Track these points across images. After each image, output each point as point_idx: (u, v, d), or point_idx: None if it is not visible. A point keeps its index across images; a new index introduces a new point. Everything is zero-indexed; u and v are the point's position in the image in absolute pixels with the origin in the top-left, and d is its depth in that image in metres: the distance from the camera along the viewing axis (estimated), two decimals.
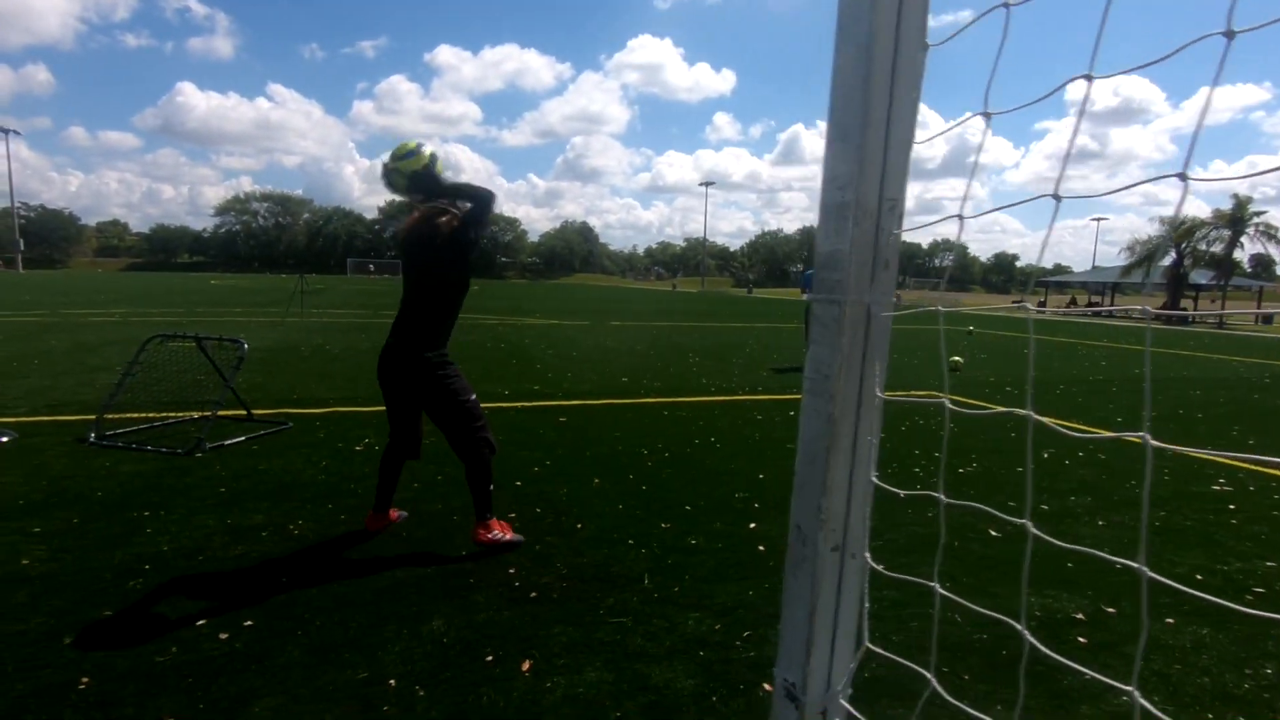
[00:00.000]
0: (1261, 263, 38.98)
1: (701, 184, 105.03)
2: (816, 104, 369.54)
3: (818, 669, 1.35)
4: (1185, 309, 38.25)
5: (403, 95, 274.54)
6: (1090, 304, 47.93)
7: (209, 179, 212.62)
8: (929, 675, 1.19)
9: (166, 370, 6.39)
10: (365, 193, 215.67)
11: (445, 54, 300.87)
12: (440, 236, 3.13)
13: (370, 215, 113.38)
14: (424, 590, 2.87)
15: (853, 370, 1.28)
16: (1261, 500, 4.52)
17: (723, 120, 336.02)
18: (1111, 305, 45.71)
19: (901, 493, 1.31)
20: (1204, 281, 38.80)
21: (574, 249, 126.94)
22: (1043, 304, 50.35)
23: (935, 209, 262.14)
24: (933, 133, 1.32)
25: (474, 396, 3.26)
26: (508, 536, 3.30)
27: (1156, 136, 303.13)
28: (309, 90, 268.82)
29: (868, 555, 1.27)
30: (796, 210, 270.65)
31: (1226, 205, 37.00)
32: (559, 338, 13.99)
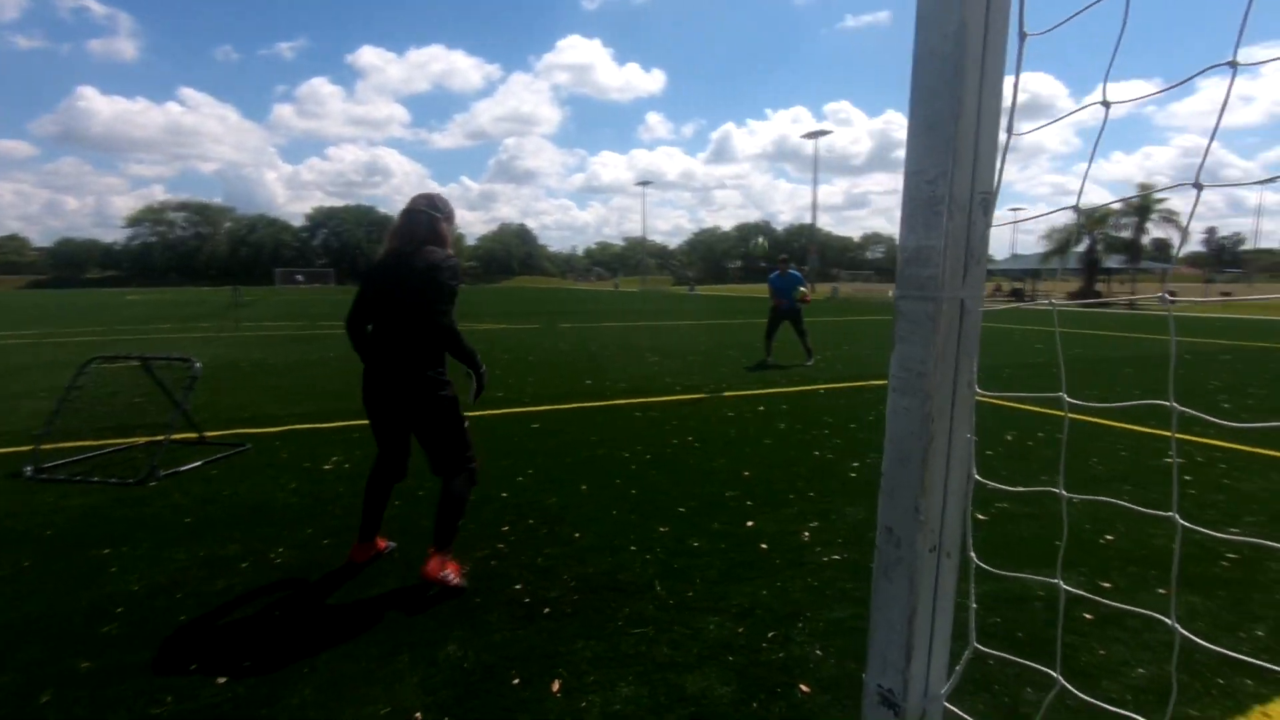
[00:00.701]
0: (1160, 246, 41.68)
1: (638, 183, 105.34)
2: (746, 103, 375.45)
3: (918, 673, 1.32)
4: (1099, 293, 40.64)
5: (325, 98, 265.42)
6: (1012, 290, 50.32)
7: (117, 188, 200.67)
8: (1056, 674, 1.18)
9: (101, 394, 5.96)
10: (290, 199, 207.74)
11: (368, 55, 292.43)
12: (444, 282, 2.91)
13: (297, 223, 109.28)
14: (431, 614, 2.74)
15: (948, 367, 1.25)
16: (1210, 471, 4.80)
17: (655, 120, 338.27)
18: (1034, 290, 48.16)
19: (1014, 489, 1.30)
20: (1115, 265, 41.28)
21: (512, 252, 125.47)
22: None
23: (863, 202, 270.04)
24: (1043, 121, 1.32)
25: (467, 424, 3.10)
26: (455, 580, 2.91)
27: (1061, 130, 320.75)
28: (224, 93, 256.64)
29: (973, 554, 1.25)
30: (731, 208, 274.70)
31: (1133, 192, 39.43)
32: (511, 342, 13.76)
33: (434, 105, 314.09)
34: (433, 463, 3.04)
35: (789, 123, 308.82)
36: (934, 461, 1.28)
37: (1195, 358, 11.89)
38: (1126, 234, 39.20)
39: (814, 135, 61.40)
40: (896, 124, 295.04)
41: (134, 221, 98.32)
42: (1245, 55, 0.94)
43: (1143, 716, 1.84)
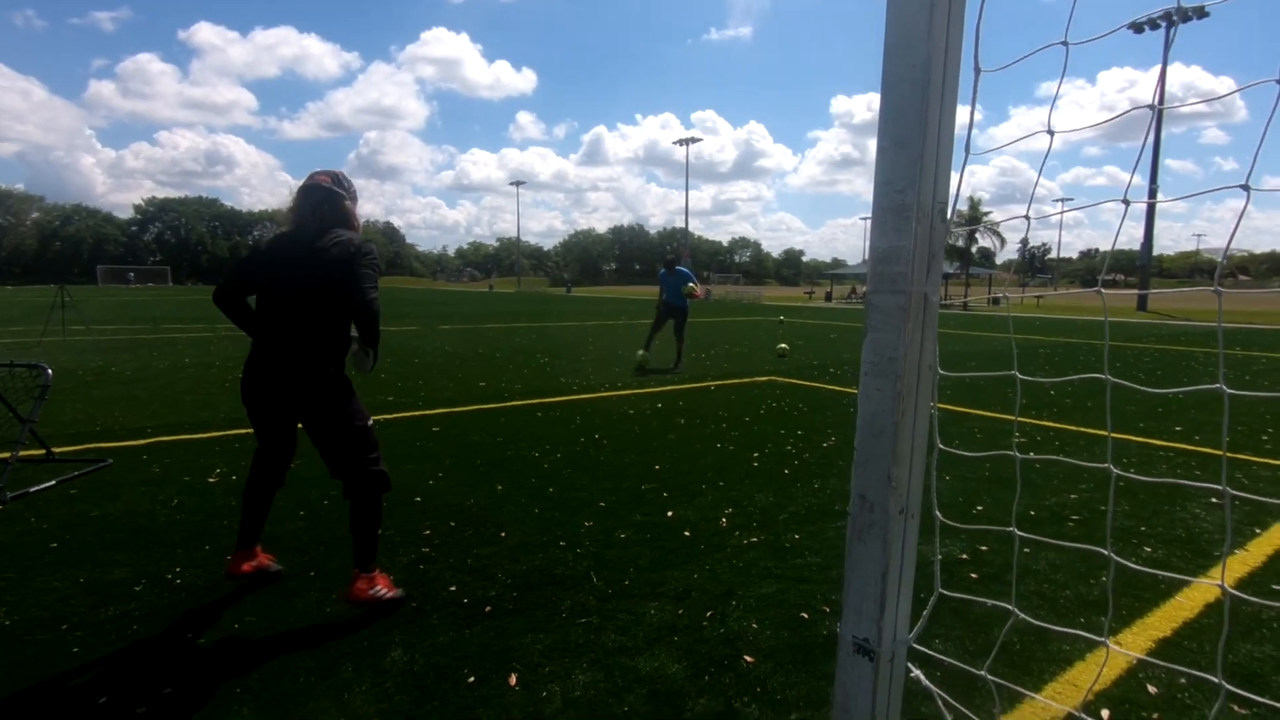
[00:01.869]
0: (985, 254, 47.01)
1: (511, 183, 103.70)
2: (617, 107, 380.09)
3: (890, 622, 1.50)
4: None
5: (154, 77, 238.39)
6: (865, 293, 54.51)
7: None
8: (1012, 607, 1.39)
9: None
10: (112, 188, 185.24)
11: (206, 33, 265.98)
12: (363, 267, 2.71)
13: (124, 214, 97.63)
14: (367, 621, 2.64)
15: (915, 351, 1.43)
16: (1048, 447, 5.55)
17: (526, 119, 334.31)
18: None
19: (973, 454, 1.50)
20: (950, 271, 46.00)
21: (379, 251, 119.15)
22: (829, 295, 56.36)
23: (730, 208, 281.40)
24: (997, 144, 1.52)
25: (371, 422, 2.87)
26: (390, 594, 2.74)
27: None
28: (25, 65, 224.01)
29: (938, 513, 1.44)
30: (604, 210, 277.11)
31: (964, 206, 44.14)
32: (391, 345, 13.16)
33: (285, 92, 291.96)
34: (334, 467, 2.77)
35: (658, 128, 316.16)
36: (904, 434, 1.46)
37: (1022, 351, 13.55)
38: (960, 243, 43.73)
39: (685, 142, 63.36)
40: (758, 134, 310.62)
41: None
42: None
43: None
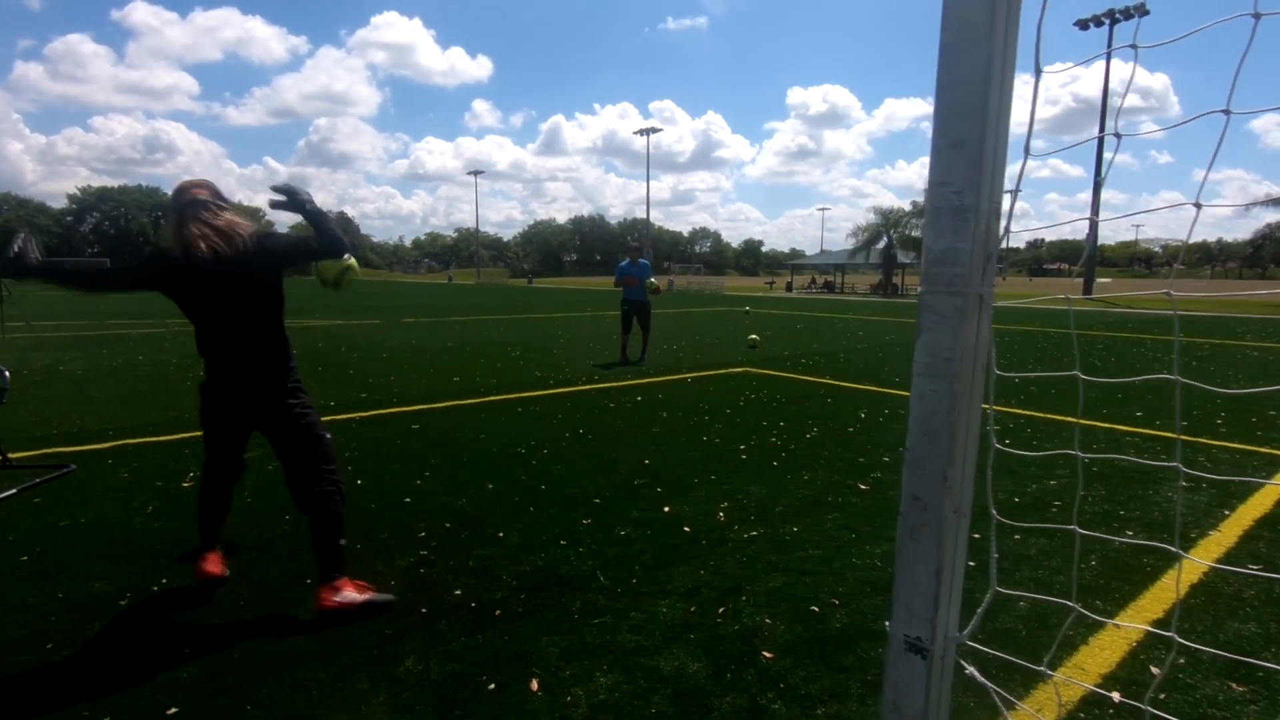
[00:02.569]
0: None
1: (469, 172, 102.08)
2: (575, 96, 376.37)
3: (943, 620, 1.50)
4: (896, 285, 46.02)
5: (86, 59, 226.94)
6: (826, 283, 55.43)
7: None
8: (1073, 604, 1.41)
9: None
10: (43, 176, 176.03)
11: (142, 13, 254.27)
12: (275, 256, 2.65)
13: (57, 204, 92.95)
14: (371, 628, 2.57)
15: (971, 353, 1.44)
16: (1020, 435, 5.72)
17: (482, 107, 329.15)
18: (842, 283, 53.39)
19: (1034, 453, 1.51)
20: (908, 260, 47.02)
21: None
22: (790, 285, 57.05)
23: (689, 199, 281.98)
24: (1059, 147, 1.53)
25: (329, 435, 2.84)
26: (364, 597, 2.66)
27: (857, 139, 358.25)
28: None
29: (994, 512, 1.46)
30: (564, 200, 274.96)
31: (920, 198, 45.15)
32: (357, 339, 12.84)
33: (228, 76, 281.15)
34: (294, 483, 2.73)
35: (617, 118, 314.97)
36: (960, 435, 1.46)
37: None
38: (917, 234, 44.67)
39: (646, 132, 63.16)
40: (716, 125, 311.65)
41: None
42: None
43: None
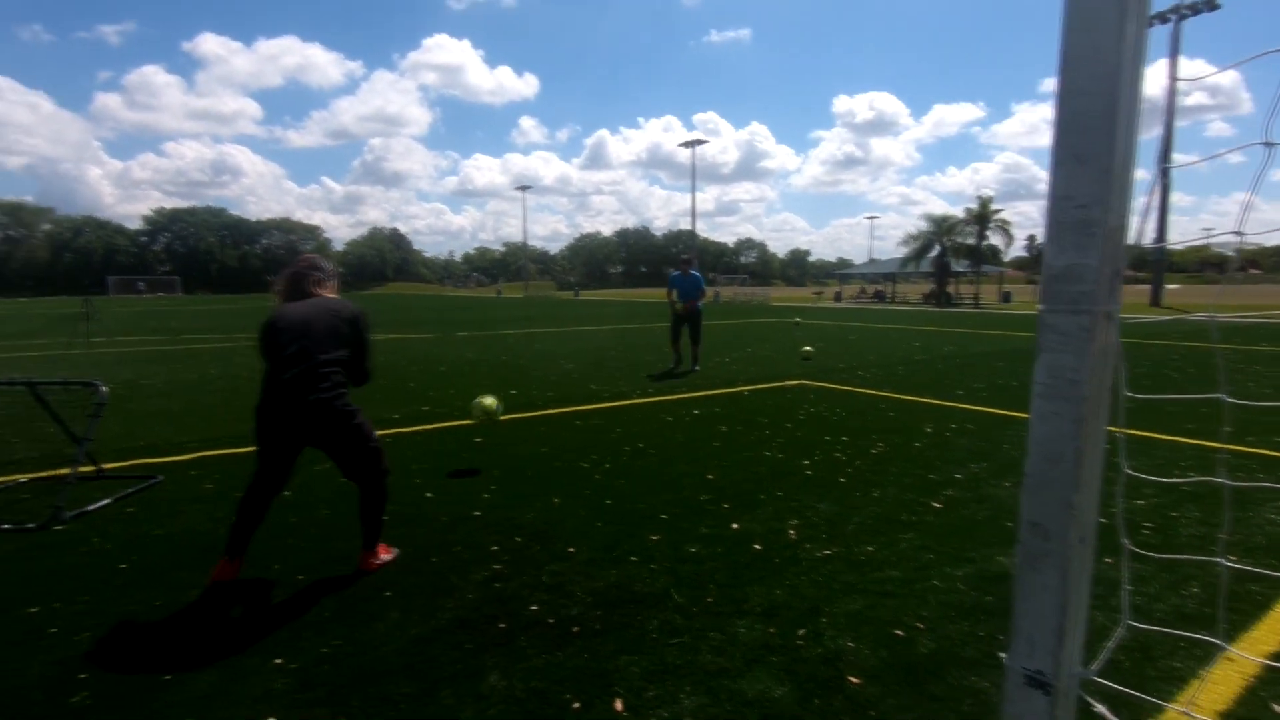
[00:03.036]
0: (993, 251, 46.75)
1: (517, 188, 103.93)
2: (620, 110, 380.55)
3: (1069, 653, 1.43)
4: (950, 294, 44.83)
5: (160, 89, 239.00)
6: (876, 292, 54.37)
7: None
8: (1218, 641, 1.33)
9: None
10: (120, 199, 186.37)
11: (210, 44, 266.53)
12: (355, 327, 3.27)
13: (133, 225, 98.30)
14: (453, 642, 2.60)
15: (1098, 373, 1.37)
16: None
17: (529, 124, 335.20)
18: (893, 293, 52.29)
19: (1166, 479, 1.43)
20: (962, 269, 45.74)
21: (386, 257, 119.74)
22: (839, 294, 56.12)
23: (733, 210, 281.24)
24: (1197, 156, 1.46)
25: (375, 431, 3.35)
26: (388, 555, 3.37)
27: (905, 146, 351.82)
28: (33, 79, 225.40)
29: (1126, 541, 1.38)
30: (608, 213, 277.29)
31: (974, 204, 43.99)
32: (415, 353, 13.15)
33: (289, 101, 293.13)
34: (350, 473, 3.24)
35: (661, 131, 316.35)
36: (1086, 460, 1.39)
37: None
38: (970, 240, 43.48)
39: (690, 144, 63.27)
40: (761, 135, 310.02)
41: None
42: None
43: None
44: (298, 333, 3.09)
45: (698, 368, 10.21)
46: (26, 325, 22.30)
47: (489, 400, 5.50)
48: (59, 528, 3.79)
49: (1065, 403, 1.36)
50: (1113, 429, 1.40)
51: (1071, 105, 1.32)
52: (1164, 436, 5.87)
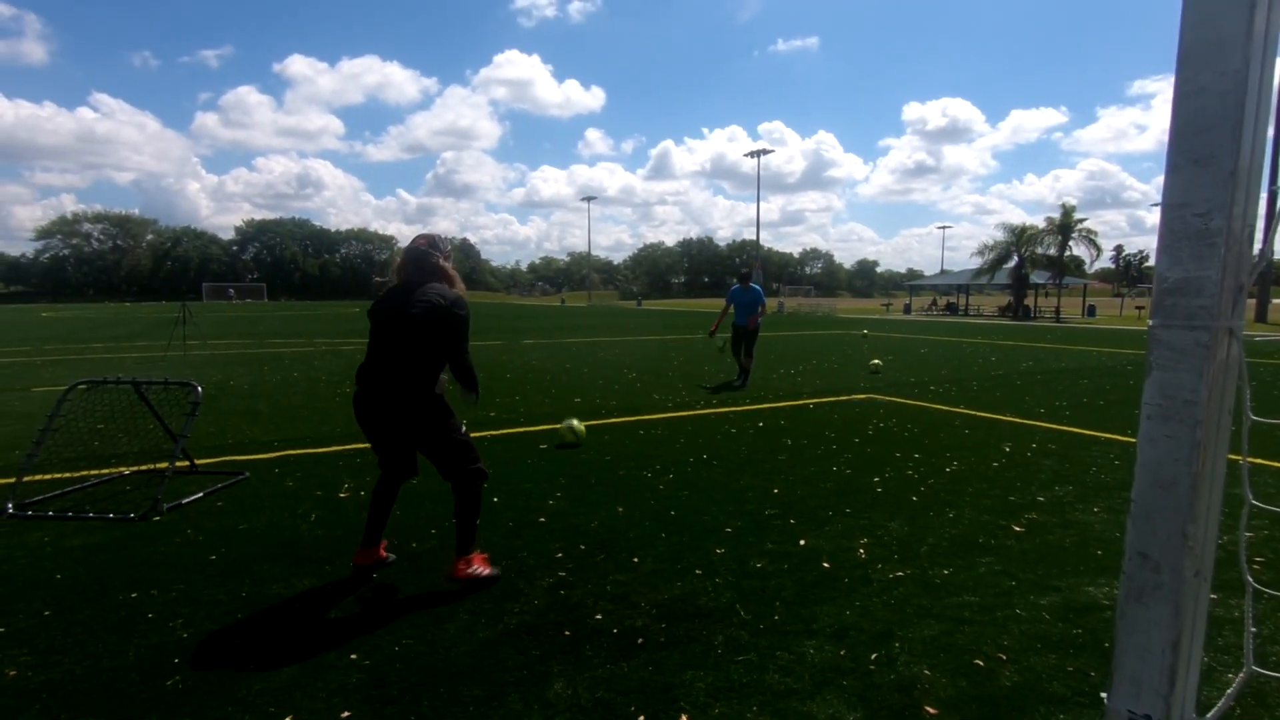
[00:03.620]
0: (1076, 262, 44.43)
1: (582, 198, 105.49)
2: (684, 121, 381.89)
3: (1180, 697, 1.33)
4: (1028, 307, 42.84)
5: (252, 108, 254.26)
6: (948, 304, 52.50)
7: (21, 198, 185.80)
8: None
9: (90, 421, 5.50)
10: (214, 211, 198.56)
11: (298, 65, 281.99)
12: (452, 323, 3.15)
13: (226, 235, 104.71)
14: (519, 647, 2.62)
15: (1217, 394, 1.27)
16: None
17: (594, 136, 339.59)
18: (966, 305, 50.35)
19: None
20: (1042, 281, 43.65)
21: (455, 266, 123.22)
22: (907, 306, 54.48)
23: (798, 219, 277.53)
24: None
25: (465, 428, 3.28)
26: (486, 571, 3.19)
27: (980, 153, 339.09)
28: (141, 101, 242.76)
29: (1249, 578, 1.27)
30: (671, 223, 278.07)
31: (1055, 214, 41.97)
32: (481, 360, 13.46)
33: (368, 117, 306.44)
34: (445, 473, 3.18)
35: (725, 141, 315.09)
36: (1203, 487, 1.29)
37: (1136, 368, 12.64)
38: (1051, 251, 41.48)
39: (756, 154, 62.83)
40: (828, 144, 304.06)
41: (44, 233, 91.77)
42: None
43: None
44: (387, 323, 3.11)
45: (746, 384, 9.74)
46: (130, 328, 24.01)
47: (580, 426, 6.14)
48: (156, 518, 4.03)
49: (1180, 425, 1.28)
50: (1234, 456, 1.30)
51: (1191, 104, 1.24)
52: (1274, 463, 5.42)
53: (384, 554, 3.38)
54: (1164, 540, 1.34)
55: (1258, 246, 1.35)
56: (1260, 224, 1.28)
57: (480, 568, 3.18)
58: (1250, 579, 1.28)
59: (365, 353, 3.19)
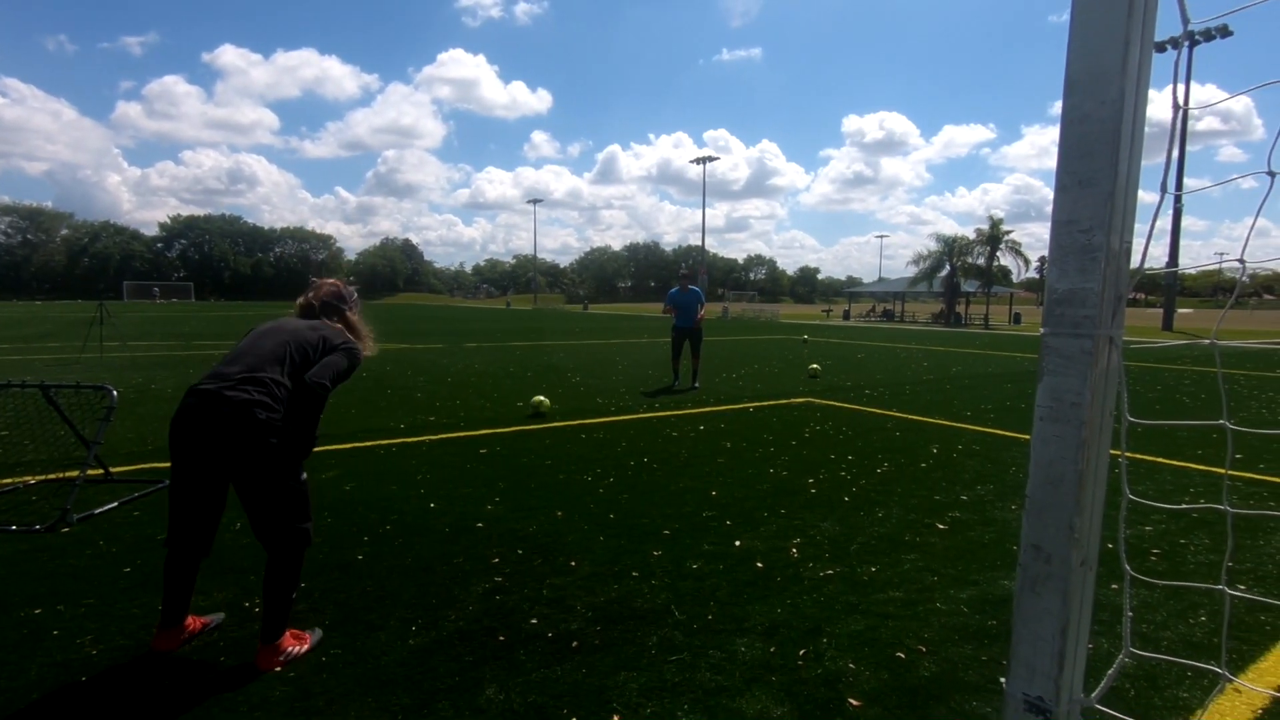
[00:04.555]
0: (1004, 272, 46.70)
1: (528, 200, 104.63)
2: (631, 126, 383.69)
3: (1068, 680, 1.42)
4: (959, 314, 44.68)
5: (180, 98, 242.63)
6: (885, 311, 54.26)
7: None
8: (1220, 670, 1.31)
9: None
10: (138, 205, 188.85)
11: (230, 55, 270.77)
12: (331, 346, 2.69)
13: (150, 232, 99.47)
14: (452, 654, 2.59)
15: (1100, 397, 1.37)
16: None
17: (541, 138, 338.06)
18: (901, 312, 52.18)
19: (1169, 505, 1.42)
20: (972, 289, 45.60)
21: (397, 267, 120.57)
22: (847, 312, 56.09)
23: (743, 226, 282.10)
24: (1205, 183, 1.47)
25: (305, 476, 2.62)
26: (304, 648, 2.58)
27: (915, 166, 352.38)
28: (56, 88, 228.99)
29: (1127, 566, 1.38)
30: (618, 227, 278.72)
31: (985, 225, 43.94)
32: (422, 363, 13.20)
33: (305, 112, 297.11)
34: (260, 528, 2.53)
35: (671, 147, 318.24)
36: (1088, 483, 1.39)
37: None
38: (981, 261, 43.38)
39: (701, 161, 63.62)
40: (771, 153, 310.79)
41: None
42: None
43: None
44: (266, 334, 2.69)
45: (698, 385, 10.10)
46: (41, 328, 22.55)
47: (546, 401, 7.78)
48: (65, 530, 3.81)
49: (1067, 426, 1.36)
50: (1115, 453, 1.40)
51: (1076, 130, 1.33)
52: (1172, 462, 5.82)
53: (200, 624, 2.72)
54: (1054, 533, 1.42)
55: (1136, 261, 1.46)
56: (1140, 241, 1.39)
57: (295, 647, 2.55)
58: (1129, 569, 1.39)
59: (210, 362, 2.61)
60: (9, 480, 4.73)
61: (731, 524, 4.13)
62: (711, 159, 64.39)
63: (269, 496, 2.48)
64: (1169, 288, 36.61)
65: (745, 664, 2.57)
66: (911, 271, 46.63)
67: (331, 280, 3.06)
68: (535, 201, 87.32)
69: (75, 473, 4.29)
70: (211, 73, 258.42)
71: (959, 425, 7.47)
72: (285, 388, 2.54)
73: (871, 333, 29.53)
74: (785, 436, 6.71)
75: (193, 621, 2.70)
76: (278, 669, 2.46)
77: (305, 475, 2.62)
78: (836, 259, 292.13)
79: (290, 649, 2.54)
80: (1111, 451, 1.47)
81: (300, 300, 2.97)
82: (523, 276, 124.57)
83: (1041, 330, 1.39)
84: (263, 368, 2.54)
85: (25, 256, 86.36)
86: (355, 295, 3.08)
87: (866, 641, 2.75)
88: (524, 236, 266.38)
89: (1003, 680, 1.53)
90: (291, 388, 2.55)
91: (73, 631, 2.72)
